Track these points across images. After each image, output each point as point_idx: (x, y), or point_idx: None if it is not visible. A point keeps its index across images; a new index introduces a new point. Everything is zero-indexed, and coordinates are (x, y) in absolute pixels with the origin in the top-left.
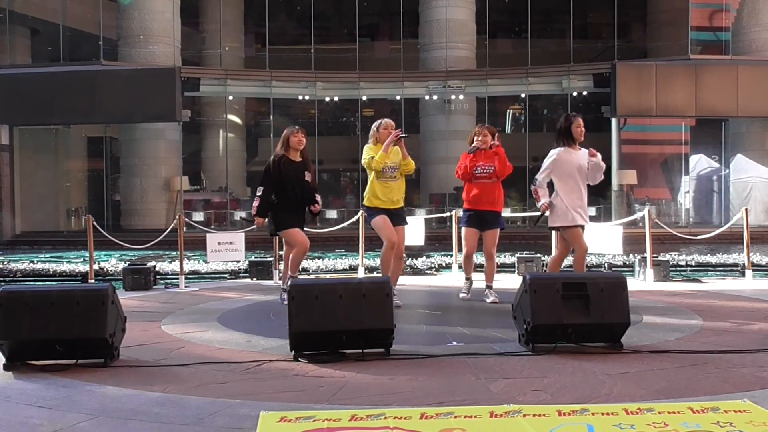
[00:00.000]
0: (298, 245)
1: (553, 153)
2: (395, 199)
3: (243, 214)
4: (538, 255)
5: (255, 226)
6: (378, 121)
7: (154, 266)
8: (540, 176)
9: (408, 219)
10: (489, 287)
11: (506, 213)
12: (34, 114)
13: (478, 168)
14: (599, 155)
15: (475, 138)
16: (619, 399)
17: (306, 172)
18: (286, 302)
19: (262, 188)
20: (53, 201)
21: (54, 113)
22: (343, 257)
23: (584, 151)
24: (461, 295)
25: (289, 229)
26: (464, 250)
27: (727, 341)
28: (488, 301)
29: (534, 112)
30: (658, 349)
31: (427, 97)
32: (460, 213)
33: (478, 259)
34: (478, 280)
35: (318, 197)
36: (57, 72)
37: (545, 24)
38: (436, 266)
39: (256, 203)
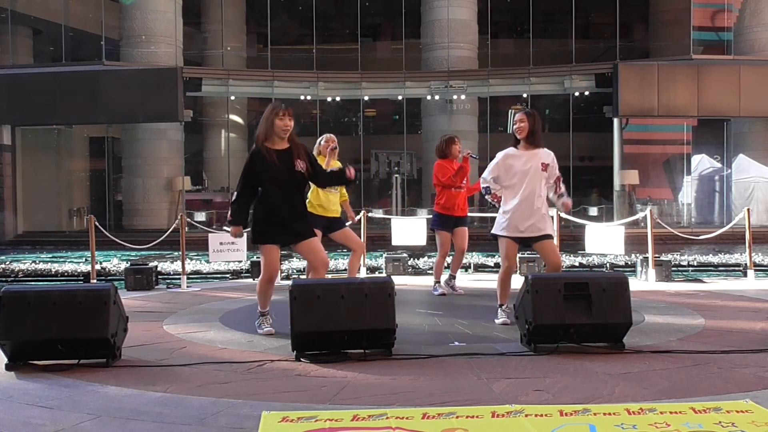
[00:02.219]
0: (264, 269)
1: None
2: (334, 209)
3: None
4: (539, 255)
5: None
6: (322, 136)
7: (156, 266)
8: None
9: (409, 219)
10: (453, 277)
11: None
12: (36, 114)
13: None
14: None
15: (455, 147)
16: (621, 399)
17: (297, 161)
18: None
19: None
20: (55, 201)
21: (56, 113)
22: (345, 257)
23: (539, 152)
24: (437, 292)
25: (265, 244)
26: (441, 251)
27: (729, 341)
28: (455, 291)
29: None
30: (660, 349)
31: (429, 97)
32: None
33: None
34: (476, 279)
35: (349, 170)
36: (59, 72)
37: (547, 24)
38: None
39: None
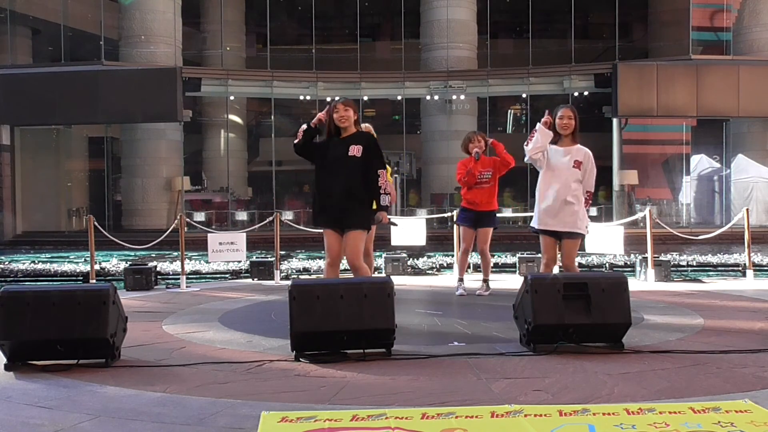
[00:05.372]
0: (327, 255)
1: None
2: None
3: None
4: (539, 255)
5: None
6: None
7: (155, 266)
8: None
9: (409, 219)
10: (486, 281)
11: (508, 213)
12: (35, 114)
13: (478, 174)
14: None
15: (470, 145)
16: (620, 399)
17: (351, 146)
18: None
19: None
20: (54, 201)
21: (55, 113)
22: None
23: (576, 149)
24: (458, 292)
25: (323, 229)
26: (462, 246)
27: (728, 341)
28: (478, 293)
29: (535, 112)
30: (660, 349)
31: (428, 98)
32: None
33: (473, 258)
34: (476, 280)
35: (385, 187)
36: (58, 72)
37: (546, 24)
38: (437, 266)
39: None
